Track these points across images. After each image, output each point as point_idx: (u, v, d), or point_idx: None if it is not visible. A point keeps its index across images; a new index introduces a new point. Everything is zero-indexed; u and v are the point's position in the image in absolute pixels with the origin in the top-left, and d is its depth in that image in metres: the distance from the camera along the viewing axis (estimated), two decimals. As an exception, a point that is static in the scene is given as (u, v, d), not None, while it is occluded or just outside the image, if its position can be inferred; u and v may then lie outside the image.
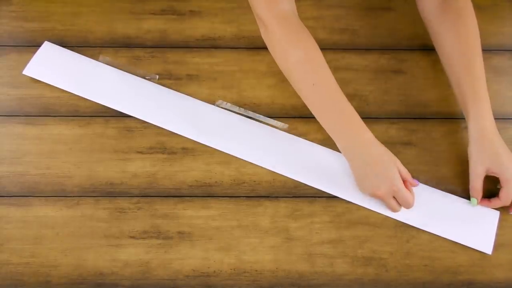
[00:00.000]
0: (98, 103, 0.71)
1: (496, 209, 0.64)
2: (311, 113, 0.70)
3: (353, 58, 0.75)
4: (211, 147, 0.68)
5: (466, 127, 0.70)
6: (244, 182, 0.66)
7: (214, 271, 0.62)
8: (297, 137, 0.69)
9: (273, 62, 0.73)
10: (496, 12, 0.78)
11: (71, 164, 0.67)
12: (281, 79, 0.73)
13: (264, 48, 0.75)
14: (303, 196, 0.66)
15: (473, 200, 0.64)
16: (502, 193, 0.62)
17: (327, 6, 0.79)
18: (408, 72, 0.74)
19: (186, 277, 0.61)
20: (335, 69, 0.73)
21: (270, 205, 0.65)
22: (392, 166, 0.61)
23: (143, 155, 0.68)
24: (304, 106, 0.70)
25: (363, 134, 0.63)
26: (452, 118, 0.71)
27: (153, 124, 0.69)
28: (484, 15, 0.78)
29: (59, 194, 0.65)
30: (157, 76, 0.68)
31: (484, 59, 0.73)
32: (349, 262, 0.62)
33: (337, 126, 0.64)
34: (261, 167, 0.67)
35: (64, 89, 0.71)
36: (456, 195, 0.65)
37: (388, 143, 0.65)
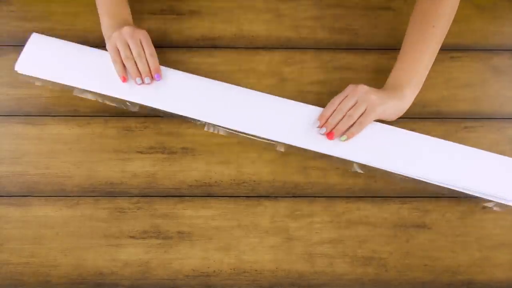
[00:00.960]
0: (97, 103, 0.71)
1: None
2: (311, 113, 0.70)
3: (353, 58, 0.75)
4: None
5: (465, 127, 0.70)
6: (244, 182, 0.66)
7: (214, 271, 0.62)
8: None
9: (272, 62, 0.73)
10: (496, 12, 0.78)
11: (71, 164, 0.67)
12: (280, 79, 0.73)
13: (264, 48, 0.75)
14: (303, 196, 0.66)
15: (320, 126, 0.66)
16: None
17: (327, 6, 0.79)
18: (408, 72, 0.74)
19: (186, 277, 0.61)
20: (335, 69, 0.73)
21: (270, 205, 0.65)
22: (133, 26, 0.69)
23: (143, 155, 0.68)
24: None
25: (126, 20, 0.71)
26: (452, 118, 0.71)
27: (154, 124, 0.69)
28: (484, 15, 0.78)
29: (58, 194, 0.65)
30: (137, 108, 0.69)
31: (484, 59, 0.73)
32: (349, 262, 0.62)
33: (106, 11, 0.70)
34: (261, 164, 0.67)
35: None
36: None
37: (388, 143, 0.65)
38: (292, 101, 0.69)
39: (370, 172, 0.67)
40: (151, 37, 0.75)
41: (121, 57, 0.68)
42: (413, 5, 0.77)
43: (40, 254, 0.62)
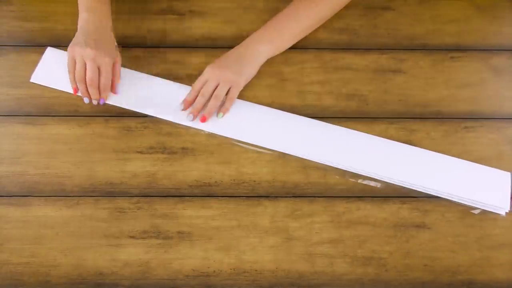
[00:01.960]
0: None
1: None
2: (310, 113, 0.70)
3: (353, 58, 0.75)
4: (211, 139, 0.68)
5: (465, 127, 0.70)
6: (244, 182, 0.66)
7: (214, 271, 0.62)
8: None
9: (272, 62, 0.73)
10: (496, 12, 0.78)
11: (71, 164, 0.67)
12: (280, 79, 0.73)
13: (264, 48, 0.75)
14: (303, 196, 0.66)
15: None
16: None
17: (327, 6, 0.79)
18: (408, 72, 0.74)
19: (186, 277, 0.61)
20: (335, 69, 0.73)
21: (270, 205, 0.65)
22: (103, 43, 0.67)
23: (143, 155, 0.68)
24: (303, 106, 0.71)
25: (100, 11, 0.69)
26: (452, 118, 0.71)
27: (154, 124, 0.69)
28: (484, 15, 0.78)
29: (58, 194, 0.65)
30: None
31: (484, 58, 0.73)
32: (349, 262, 0.62)
33: (82, 2, 0.70)
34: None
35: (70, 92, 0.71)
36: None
37: (388, 143, 0.65)
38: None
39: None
40: (151, 37, 0.75)
41: (73, 72, 0.68)
42: (413, 5, 0.77)
43: (40, 254, 0.62)
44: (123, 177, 0.66)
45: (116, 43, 0.70)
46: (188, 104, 0.69)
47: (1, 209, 0.64)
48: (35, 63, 0.73)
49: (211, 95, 0.69)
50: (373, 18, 0.78)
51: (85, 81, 0.67)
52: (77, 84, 0.68)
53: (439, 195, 0.65)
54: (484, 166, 0.67)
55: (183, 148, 0.68)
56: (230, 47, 0.75)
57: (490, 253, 0.63)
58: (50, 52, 0.74)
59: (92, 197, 0.65)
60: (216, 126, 0.69)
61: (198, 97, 0.69)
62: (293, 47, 0.75)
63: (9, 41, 0.75)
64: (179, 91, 0.71)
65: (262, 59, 0.71)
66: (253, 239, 0.63)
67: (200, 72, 0.72)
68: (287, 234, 0.64)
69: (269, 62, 0.74)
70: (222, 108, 0.69)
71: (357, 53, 0.75)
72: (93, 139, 0.69)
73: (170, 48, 0.75)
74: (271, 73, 0.73)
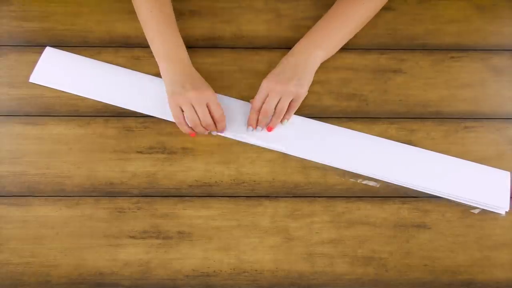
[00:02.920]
0: (98, 103, 0.71)
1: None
2: (310, 113, 0.70)
3: (353, 58, 0.75)
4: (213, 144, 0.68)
5: (465, 127, 0.70)
6: (243, 182, 0.66)
7: (214, 271, 0.62)
8: None
9: (272, 62, 0.73)
10: (496, 12, 0.78)
11: (71, 164, 0.67)
12: (281, 79, 0.73)
13: (264, 48, 0.75)
14: (303, 196, 0.66)
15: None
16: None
17: (327, 6, 0.78)
18: (408, 72, 0.74)
19: (186, 277, 0.61)
20: (335, 69, 0.73)
21: (270, 205, 0.65)
22: (203, 88, 0.65)
23: (143, 155, 0.68)
24: (303, 106, 0.71)
25: (188, 61, 0.68)
26: (452, 118, 0.71)
27: (154, 124, 0.69)
28: (484, 15, 0.78)
29: (59, 194, 0.65)
30: None
31: (484, 59, 0.73)
32: (349, 262, 0.62)
33: (163, 53, 0.68)
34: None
35: (73, 93, 0.71)
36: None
37: (388, 143, 0.65)
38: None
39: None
40: (151, 37, 0.75)
41: (183, 119, 0.66)
42: (413, 5, 0.77)
43: (40, 254, 0.62)
44: (123, 177, 0.66)
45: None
46: (254, 123, 0.68)
47: (1, 209, 0.64)
48: (35, 63, 0.73)
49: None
50: (373, 18, 0.78)
51: (200, 123, 0.66)
52: (195, 129, 0.66)
53: (439, 195, 0.65)
54: (484, 165, 0.67)
55: (183, 148, 0.68)
56: (230, 47, 0.75)
57: (490, 253, 0.63)
58: (49, 51, 0.74)
59: (92, 197, 0.65)
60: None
61: (261, 118, 0.67)
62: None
63: (9, 41, 0.75)
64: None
65: (317, 65, 0.69)
66: (253, 239, 0.63)
67: (199, 72, 0.72)
68: (287, 234, 0.64)
69: (269, 62, 0.74)
70: (284, 116, 0.68)
71: (357, 53, 0.75)
72: (93, 139, 0.69)
73: (170, 48, 0.75)
74: (271, 73, 0.73)
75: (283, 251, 0.63)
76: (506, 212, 0.64)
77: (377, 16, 0.78)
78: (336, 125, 0.70)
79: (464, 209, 0.65)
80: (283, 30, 0.76)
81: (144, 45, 0.75)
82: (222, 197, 0.66)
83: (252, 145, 0.68)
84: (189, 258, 0.62)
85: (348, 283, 0.61)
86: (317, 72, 0.73)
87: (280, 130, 0.69)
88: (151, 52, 0.74)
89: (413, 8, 0.78)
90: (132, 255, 0.62)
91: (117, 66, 0.73)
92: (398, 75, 0.74)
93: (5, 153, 0.68)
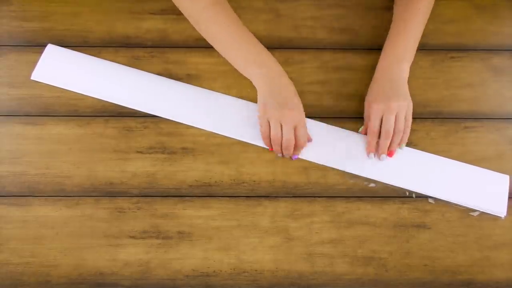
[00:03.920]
0: (97, 103, 0.71)
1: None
2: (310, 113, 0.70)
3: (353, 58, 0.75)
4: (216, 142, 0.68)
5: (465, 127, 0.70)
6: (243, 182, 0.66)
7: (214, 271, 0.62)
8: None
9: (273, 62, 0.73)
10: (496, 12, 0.78)
11: (71, 164, 0.67)
12: (281, 79, 0.73)
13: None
14: (303, 196, 0.66)
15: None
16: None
17: (327, 6, 0.79)
18: (408, 72, 0.74)
19: (186, 277, 0.61)
20: (334, 69, 0.73)
21: (270, 205, 0.65)
22: (296, 108, 0.64)
23: (143, 155, 0.68)
24: (303, 106, 0.70)
25: (279, 71, 0.66)
26: (452, 118, 0.71)
27: (154, 124, 0.69)
28: (484, 15, 0.78)
29: (59, 194, 0.65)
30: None
31: (484, 59, 0.73)
32: (349, 262, 0.62)
33: (252, 61, 0.66)
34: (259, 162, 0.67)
35: (75, 91, 0.71)
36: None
37: (388, 143, 0.65)
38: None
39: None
40: (150, 38, 0.75)
41: (269, 133, 0.65)
42: (413, 5, 0.77)
43: (40, 254, 0.62)
44: (123, 177, 0.66)
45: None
46: (374, 149, 0.66)
47: (1, 209, 0.64)
48: (35, 63, 0.73)
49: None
50: (374, 18, 0.78)
51: (281, 143, 0.65)
52: (273, 146, 0.66)
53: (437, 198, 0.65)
54: (482, 169, 0.67)
55: (183, 148, 0.68)
56: (230, 47, 0.75)
57: (490, 253, 0.63)
58: (50, 49, 0.74)
59: (92, 197, 0.65)
60: (216, 126, 0.69)
61: (382, 141, 0.65)
62: (293, 47, 0.75)
63: (9, 41, 0.75)
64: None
65: (407, 75, 0.68)
66: (253, 239, 0.63)
67: (199, 72, 0.72)
68: (287, 234, 0.64)
69: (269, 62, 0.74)
70: (403, 139, 0.66)
71: (357, 53, 0.75)
72: (93, 139, 0.69)
73: (170, 48, 0.75)
74: (271, 73, 0.73)
75: (283, 251, 0.63)
76: (505, 216, 0.64)
77: (377, 16, 0.78)
78: (336, 125, 0.70)
79: (464, 209, 0.65)
80: (283, 30, 0.76)
81: (144, 45, 0.75)
82: (222, 197, 0.66)
83: (252, 145, 0.68)
84: (189, 258, 0.62)
85: (348, 283, 0.61)
86: (317, 72, 0.73)
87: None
88: (151, 52, 0.74)
89: (413, 8, 0.78)
90: (132, 255, 0.62)
91: (119, 64, 0.73)
92: (398, 75, 0.74)
93: (5, 153, 0.68)
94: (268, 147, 0.67)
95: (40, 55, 0.73)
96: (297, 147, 0.66)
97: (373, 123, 0.66)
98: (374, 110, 0.65)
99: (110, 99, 0.71)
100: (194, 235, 0.63)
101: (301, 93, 0.72)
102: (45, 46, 0.74)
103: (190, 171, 0.67)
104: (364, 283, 0.61)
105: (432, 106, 0.71)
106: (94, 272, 0.61)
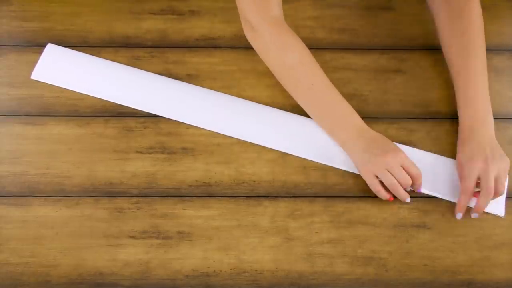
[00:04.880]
0: (97, 103, 0.71)
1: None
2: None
3: (353, 58, 0.75)
4: (222, 139, 0.68)
5: (466, 127, 0.70)
6: (243, 182, 0.66)
7: (214, 271, 0.62)
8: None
9: (273, 62, 0.73)
10: (496, 12, 0.78)
11: (71, 164, 0.67)
12: (281, 79, 0.73)
13: (264, 48, 0.75)
14: (303, 196, 0.66)
15: (458, 214, 0.64)
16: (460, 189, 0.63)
17: (327, 6, 0.79)
18: (408, 72, 0.74)
19: (186, 277, 0.61)
20: (334, 69, 0.73)
21: (270, 205, 0.65)
22: (392, 144, 0.63)
23: (142, 155, 0.68)
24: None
25: (363, 125, 0.65)
26: (452, 118, 0.71)
27: (154, 124, 0.69)
28: (484, 15, 0.77)
29: (58, 194, 0.65)
30: None
31: (484, 59, 0.73)
32: (349, 262, 0.62)
33: (337, 124, 0.66)
34: (260, 165, 0.67)
35: (75, 90, 0.71)
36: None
37: (388, 143, 0.65)
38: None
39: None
40: (150, 38, 0.75)
41: (380, 186, 0.63)
42: (413, 5, 0.77)
43: (40, 254, 0.62)
44: (123, 177, 0.66)
45: None
46: (463, 209, 0.63)
47: (1, 209, 0.64)
48: (35, 63, 0.73)
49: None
50: (374, 18, 0.78)
51: (398, 184, 0.62)
52: (396, 193, 0.63)
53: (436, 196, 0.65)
54: None
55: (183, 148, 0.68)
56: (230, 47, 0.75)
57: (490, 253, 0.63)
58: (50, 48, 0.74)
59: (92, 197, 0.65)
60: (217, 125, 0.69)
61: (482, 198, 0.61)
62: (293, 47, 0.75)
63: (9, 41, 0.75)
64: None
65: (492, 124, 0.65)
66: (253, 239, 0.63)
67: (199, 72, 0.72)
68: (287, 234, 0.64)
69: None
70: (497, 192, 0.62)
71: (357, 53, 0.75)
72: (93, 139, 0.69)
73: (170, 48, 0.75)
74: (271, 73, 0.73)
75: (283, 251, 0.63)
76: (504, 215, 0.64)
77: (377, 16, 0.78)
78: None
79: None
80: (283, 30, 0.76)
81: (144, 45, 0.75)
82: (222, 197, 0.66)
83: (252, 145, 0.68)
84: (189, 258, 0.62)
85: (348, 283, 0.61)
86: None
87: (280, 128, 0.68)
88: (151, 52, 0.75)
89: (413, 8, 0.78)
90: (132, 255, 0.62)
91: (119, 63, 0.73)
92: (398, 75, 0.74)
93: (5, 153, 0.68)
94: (387, 198, 0.64)
95: (40, 55, 0.73)
96: (415, 181, 0.63)
97: (469, 182, 0.62)
98: (468, 170, 0.62)
99: (110, 99, 0.71)
100: (194, 235, 0.63)
101: (301, 93, 0.72)
102: (45, 46, 0.74)
103: (190, 171, 0.67)
104: (364, 283, 0.61)
105: (432, 106, 0.71)
106: (94, 272, 0.61)
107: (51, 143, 0.68)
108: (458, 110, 0.67)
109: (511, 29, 0.77)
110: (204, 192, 0.66)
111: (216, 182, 0.66)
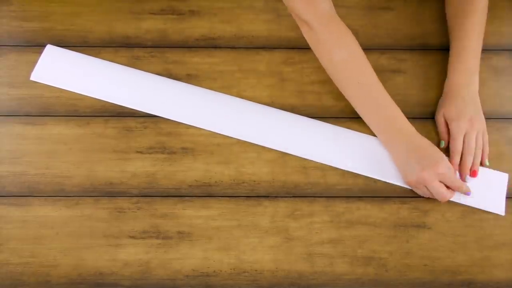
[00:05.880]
0: (97, 103, 0.71)
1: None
2: (310, 113, 0.70)
3: (353, 58, 0.75)
4: (219, 140, 0.68)
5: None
6: (243, 182, 0.66)
7: (214, 271, 0.62)
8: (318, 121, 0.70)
9: (272, 62, 0.74)
10: (495, 12, 0.78)
11: (71, 164, 0.67)
12: (280, 79, 0.73)
13: (264, 48, 0.75)
14: (303, 196, 0.66)
15: (442, 142, 0.68)
16: (451, 146, 0.66)
17: (327, 6, 0.79)
18: (408, 72, 0.74)
19: (186, 277, 0.61)
20: (335, 69, 0.73)
21: (270, 205, 0.65)
22: (437, 153, 0.62)
23: (142, 155, 0.68)
24: (303, 106, 0.71)
25: (408, 128, 0.64)
26: (452, 118, 0.71)
27: (154, 124, 0.69)
28: (484, 15, 0.78)
29: (58, 194, 0.65)
30: None
31: (484, 59, 0.73)
32: (349, 262, 0.62)
33: (381, 121, 0.66)
34: (260, 166, 0.67)
35: (74, 91, 0.71)
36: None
37: (388, 143, 0.65)
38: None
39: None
40: (150, 38, 0.75)
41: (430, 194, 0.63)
42: (413, 5, 0.77)
43: (40, 254, 0.62)
44: (123, 177, 0.66)
45: None
46: (457, 167, 0.65)
47: (1, 209, 0.64)
48: (35, 63, 0.73)
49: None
50: (374, 18, 0.78)
51: (449, 190, 0.63)
52: (445, 199, 0.63)
53: None
54: (481, 167, 0.66)
55: (183, 148, 0.68)
56: (230, 47, 0.75)
57: (490, 253, 0.63)
58: (49, 49, 0.74)
59: (92, 197, 0.65)
60: (217, 125, 0.69)
61: (466, 157, 0.64)
62: (293, 47, 0.75)
63: (9, 41, 0.75)
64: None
65: (477, 85, 0.68)
66: (253, 239, 0.63)
67: (199, 72, 0.72)
68: (287, 234, 0.64)
69: (269, 62, 0.74)
70: (484, 154, 0.66)
71: (357, 53, 0.75)
72: (93, 139, 0.69)
73: (170, 48, 0.75)
74: (271, 73, 0.73)
75: (283, 251, 0.63)
76: (504, 214, 0.64)
77: (377, 16, 0.78)
78: (336, 125, 0.70)
79: (464, 209, 0.65)
80: (283, 30, 0.76)
81: (144, 45, 0.75)
82: (222, 197, 0.66)
83: (251, 145, 0.68)
84: (189, 258, 0.62)
85: (348, 283, 0.61)
86: (317, 72, 0.73)
87: (280, 129, 0.69)
88: (151, 52, 0.74)
89: (413, 8, 0.78)
90: (132, 255, 0.62)
91: (118, 64, 0.73)
92: (398, 75, 0.74)
93: (5, 153, 0.68)
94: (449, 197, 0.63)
95: (40, 55, 0.73)
96: (459, 188, 0.63)
97: (456, 142, 0.65)
98: (454, 127, 0.66)
99: (110, 99, 0.71)
100: (194, 235, 0.63)
101: (301, 93, 0.72)
102: (45, 46, 0.74)
103: (190, 171, 0.67)
104: (364, 283, 0.61)
105: (432, 106, 0.71)
106: (93, 272, 0.61)
107: (51, 143, 0.68)
108: (448, 65, 0.70)
109: (510, 29, 0.77)
110: (204, 192, 0.66)
111: (216, 182, 0.66)
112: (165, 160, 0.68)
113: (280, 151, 0.68)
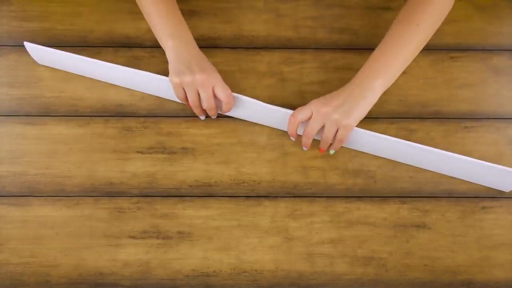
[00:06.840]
0: (97, 103, 0.71)
1: None
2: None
3: (353, 58, 0.75)
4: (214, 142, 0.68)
5: (465, 127, 0.70)
6: (243, 182, 0.66)
7: (214, 271, 0.62)
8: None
9: (272, 62, 0.74)
10: (496, 12, 0.78)
11: (71, 164, 0.67)
12: (280, 79, 0.73)
13: (264, 48, 0.75)
14: (303, 196, 0.66)
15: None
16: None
17: (327, 6, 0.79)
18: (407, 72, 0.74)
19: (186, 277, 0.61)
20: (335, 69, 0.73)
21: (270, 205, 0.65)
22: (207, 65, 0.64)
23: (143, 155, 0.68)
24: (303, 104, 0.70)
25: (191, 40, 0.66)
26: (452, 118, 0.71)
27: (154, 124, 0.69)
28: (484, 15, 0.78)
29: (58, 194, 0.65)
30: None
31: (484, 59, 0.73)
32: (349, 262, 0.62)
33: (167, 31, 0.66)
34: (260, 167, 0.67)
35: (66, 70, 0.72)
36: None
37: (388, 143, 0.65)
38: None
39: (369, 172, 0.67)
40: (150, 37, 0.75)
41: (186, 98, 0.66)
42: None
43: (40, 254, 0.62)
44: (123, 177, 0.66)
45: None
46: (293, 134, 0.65)
47: (1, 209, 0.64)
48: (35, 63, 0.73)
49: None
50: (374, 18, 0.78)
51: (201, 105, 0.65)
52: (194, 109, 0.66)
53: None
54: (487, 163, 0.64)
55: (183, 148, 0.68)
56: (230, 47, 0.75)
57: (490, 253, 0.63)
58: (27, 46, 0.71)
59: (92, 197, 0.65)
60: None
61: (304, 139, 0.64)
62: (293, 47, 0.75)
63: (9, 41, 0.75)
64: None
65: (376, 96, 0.62)
66: (253, 239, 0.63)
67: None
68: (287, 234, 0.64)
69: (269, 62, 0.74)
70: (332, 146, 0.65)
71: (357, 53, 0.75)
72: (93, 139, 0.69)
73: (170, 48, 0.75)
74: (271, 73, 0.73)
75: (283, 251, 0.63)
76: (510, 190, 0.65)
77: (377, 16, 0.78)
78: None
79: (464, 209, 0.65)
80: (283, 30, 0.76)
81: (144, 45, 0.75)
82: (222, 197, 0.66)
83: (252, 144, 0.68)
84: (189, 258, 0.62)
85: (347, 283, 0.61)
86: (317, 72, 0.73)
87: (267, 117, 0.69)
88: (151, 52, 0.74)
89: (413, 8, 0.78)
90: (132, 255, 0.62)
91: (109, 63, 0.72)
92: (398, 75, 0.74)
93: (5, 153, 0.68)
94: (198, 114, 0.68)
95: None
96: (225, 104, 0.65)
97: (298, 111, 0.63)
98: (309, 104, 0.63)
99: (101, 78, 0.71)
100: (194, 235, 0.63)
101: (301, 93, 0.72)
102: (45, 46, 0.74)
103: (190, 171, 0.67)
104: (364, 283, 0.61)
105: (432, 106, 0.71)
106: (94, 272, 0.61)
107: (51, 143, 0.68)
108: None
109: (510, 29, 0.77)
110: (204, 192, 0.66)
111: (216, 182, 0.66)
112: (165, 160, 0.68)
113: (280, 152, 0.68)
